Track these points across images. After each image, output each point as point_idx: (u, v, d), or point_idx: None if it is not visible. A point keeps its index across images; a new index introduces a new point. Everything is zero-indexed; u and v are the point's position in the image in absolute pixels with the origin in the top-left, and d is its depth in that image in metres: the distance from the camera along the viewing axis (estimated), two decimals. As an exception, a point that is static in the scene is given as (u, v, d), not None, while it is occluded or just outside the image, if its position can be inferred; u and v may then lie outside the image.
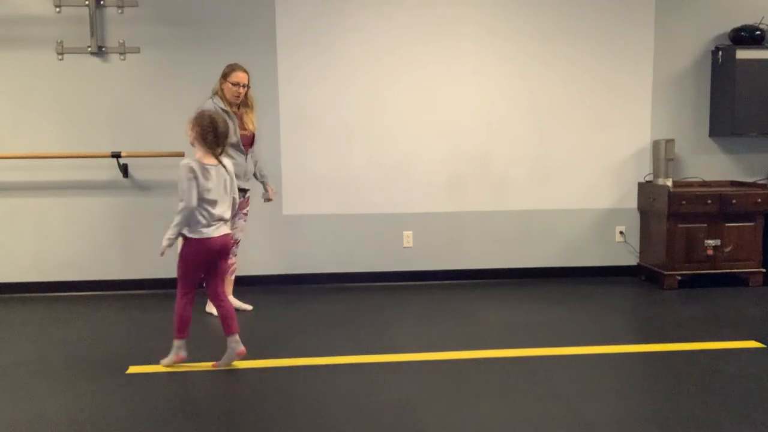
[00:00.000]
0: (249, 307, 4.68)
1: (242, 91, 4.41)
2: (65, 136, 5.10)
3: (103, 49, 5.08)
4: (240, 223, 4.58)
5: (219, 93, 4.40)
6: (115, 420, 2.92)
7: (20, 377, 3.45)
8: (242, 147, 4.45)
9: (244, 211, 4.60)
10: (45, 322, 4.48)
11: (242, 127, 4.46)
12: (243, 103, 4.49)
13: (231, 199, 3.60)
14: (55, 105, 5.09)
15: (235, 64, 4.43)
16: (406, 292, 5.13)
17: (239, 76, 4.38)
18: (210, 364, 3.59)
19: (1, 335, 4.21)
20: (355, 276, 5.40)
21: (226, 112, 4.34)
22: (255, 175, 4.68)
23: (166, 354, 3.60)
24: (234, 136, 4.36)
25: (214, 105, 4.32)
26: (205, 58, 5.09)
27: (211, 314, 4.52)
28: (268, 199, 4.76)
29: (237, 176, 4.41)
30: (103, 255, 5.21)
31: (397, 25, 5.22)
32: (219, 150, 3.51)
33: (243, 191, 4.52)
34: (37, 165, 5.10)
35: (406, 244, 5.42)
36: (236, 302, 4.66)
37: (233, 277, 4.68)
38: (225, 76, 4.40)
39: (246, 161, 4.51)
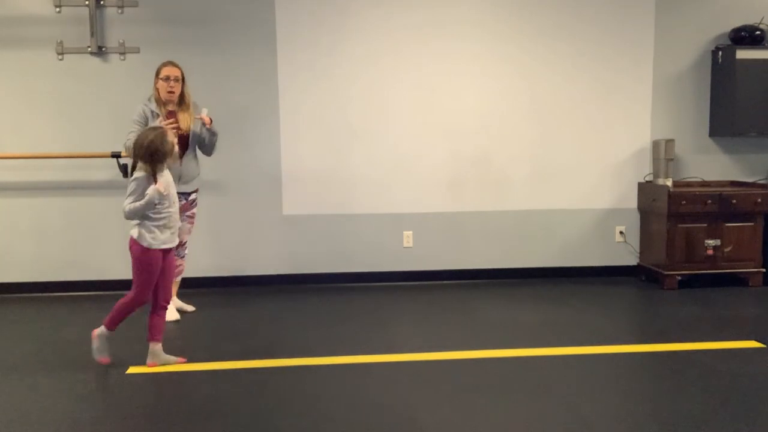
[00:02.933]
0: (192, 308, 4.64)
1: (174, 85, 4.26)
2: (65, 136, 5.10)
3: (103, 49, 5.08)
4: (186, 226, 4.45)
5: (155, 94, 4.29)
6: (115, 420, 2.92)
7: (20, 377, 3.45)
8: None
9: (188, 213, 4.46)
10: (45, 322, 4.48)
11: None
12: (180, 103, 4.34)
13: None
14: (55, 105, 5.08)
15: (167, 61, 4.33)
16: (406, 292, 5.13)
17: (167, 70, 4.26)
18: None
19: (1, 335, 4.21)
20: (355, 276, 5.39)
21: (157, 114, 4.23)
22: (202, 140, 4.40)
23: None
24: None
25: (142, 108, 4.23)
26: (205, 59, 5.09)
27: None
28: (204, 123, 4.32)
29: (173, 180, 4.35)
30: (103, 255, 5.21)
31: (397, 26, 5.22)
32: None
33: (185, 195, 4.39)
34: (37, 165, 5.10)
35: (406, 244, 5.42)
36: (180, 303, 4.62)
37: (179, 279, 4.61)
38: (156, 74, 4.29)
39: (181, 165, 4.30)
